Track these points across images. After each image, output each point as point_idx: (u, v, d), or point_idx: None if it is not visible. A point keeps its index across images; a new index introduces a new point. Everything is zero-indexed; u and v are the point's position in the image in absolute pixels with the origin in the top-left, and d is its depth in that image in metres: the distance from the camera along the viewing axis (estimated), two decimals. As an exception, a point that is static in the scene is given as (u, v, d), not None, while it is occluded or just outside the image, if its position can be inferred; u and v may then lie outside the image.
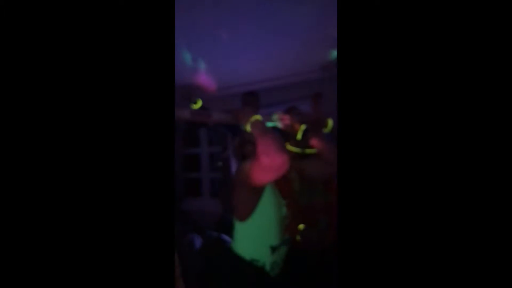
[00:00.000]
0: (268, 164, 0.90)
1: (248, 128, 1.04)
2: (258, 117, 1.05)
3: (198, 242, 1.94)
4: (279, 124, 1.25)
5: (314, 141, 1.23)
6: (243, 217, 1.06)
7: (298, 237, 1.23)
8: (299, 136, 1.22)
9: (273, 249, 1.07)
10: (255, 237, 1.06)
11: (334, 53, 2.25)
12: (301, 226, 1.24)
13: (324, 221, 1.30)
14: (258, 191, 1.05)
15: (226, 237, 2.03)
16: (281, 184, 1.16)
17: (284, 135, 1.37)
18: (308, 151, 1.32)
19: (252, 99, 2.34)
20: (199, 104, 2.12)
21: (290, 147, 1.32)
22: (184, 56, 2.03)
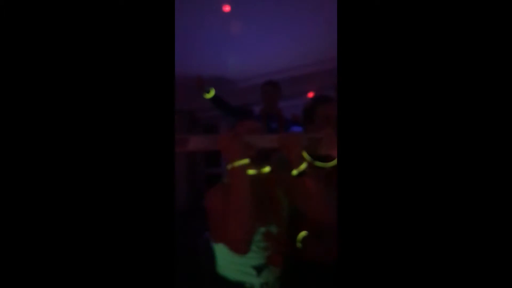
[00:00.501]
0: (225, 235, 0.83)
1: (228, 167, 0.88)
2: (244, 161, 0.88)
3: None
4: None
5: (308, 182, 0.97)
6: (216, 239, 0.98)
7: (299, 244, 1.10)
8: (294, 173, 0.97)
9: (258, 269, 0.97)
10: (231, 258, 0.96)
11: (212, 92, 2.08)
12: (303, 233, 1.09)
13: (329, 232, 1.16)
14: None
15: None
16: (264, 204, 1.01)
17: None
18: (318, 164, 1.12)
19: (272, 90, 2.23)
20: (212, 93, 2.04)
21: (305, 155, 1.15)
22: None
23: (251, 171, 1.00)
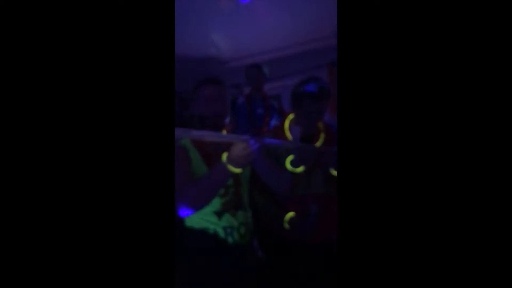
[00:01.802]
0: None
1: (224, 160, 0.92)
2: (238, 171, 0.91)
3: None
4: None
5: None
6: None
7: (286, 225, 1.17)
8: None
9: (218, 214, 1.03)
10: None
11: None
12: (290, 214, 1.17)
13: (314, 211, 1.20)
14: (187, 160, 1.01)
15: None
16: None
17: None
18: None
19: (257, 73, 2.21)
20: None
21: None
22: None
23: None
